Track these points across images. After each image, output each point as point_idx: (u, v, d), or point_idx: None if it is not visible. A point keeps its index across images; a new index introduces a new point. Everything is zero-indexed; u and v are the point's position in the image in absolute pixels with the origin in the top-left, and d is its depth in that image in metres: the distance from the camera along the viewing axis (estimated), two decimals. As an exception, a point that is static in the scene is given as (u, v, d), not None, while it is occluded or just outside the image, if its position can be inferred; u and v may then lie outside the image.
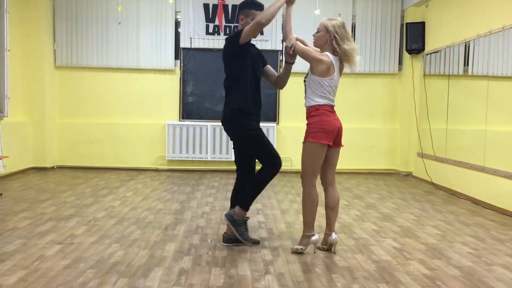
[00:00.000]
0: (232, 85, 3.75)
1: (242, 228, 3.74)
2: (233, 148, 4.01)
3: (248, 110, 3.71)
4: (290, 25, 3.69)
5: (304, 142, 3.57)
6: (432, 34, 7.37)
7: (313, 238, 3.57)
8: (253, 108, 3.76)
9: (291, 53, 3.65)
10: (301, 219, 4.66)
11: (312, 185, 3.55)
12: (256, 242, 3.80)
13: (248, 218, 3.79)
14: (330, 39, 3.51)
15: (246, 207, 3.72)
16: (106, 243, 3.78)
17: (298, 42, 3.59)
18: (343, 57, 3.54)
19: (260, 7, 3.76)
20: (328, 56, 3.51)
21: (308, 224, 3.57)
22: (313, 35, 3.65)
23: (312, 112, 3.53)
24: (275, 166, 3.66)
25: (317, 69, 3.50)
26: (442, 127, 6.79)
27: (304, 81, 3.67)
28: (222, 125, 3.83)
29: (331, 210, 3.66)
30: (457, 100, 6.47)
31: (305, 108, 3.65)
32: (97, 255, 3.46)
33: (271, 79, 4.05)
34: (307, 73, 3.64)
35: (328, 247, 3.68)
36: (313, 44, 3.66)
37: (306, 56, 3.55)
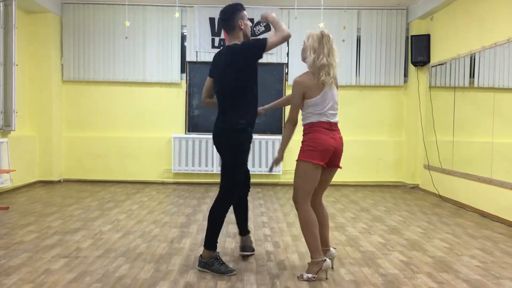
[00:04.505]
0: (240, 95, 3.51)
1: (216, 266, 3.44)
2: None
3: (251, 125, 3.54)
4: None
5: (296, 160, 3.38)
6: (437, 46, 7.39)
7: (325, 263, 3.29)
8: (253, 124, 3.59)
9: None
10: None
11: (307, 205, 3.32)
12: (232, 271, 3.44)
13: (218, 253, 3.52)
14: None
15: (210, 247, 3.50)
16: (112, 256, 3.77)
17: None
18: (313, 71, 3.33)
19: (243, 6, 3.66)
20: (301, 78, 3.33)
21: (315, 248, 3.29)
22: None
23: (307, 130, 3.37)
24: (231, 199, 3.52)
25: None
26: (449, 139, 6.77)
27: None
28: (219, 135, 3.55)
29: (325, 227, 3.52)
30: (463, 112, 6.45)
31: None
32: (103, 269, 3.45)
33: None
34: None
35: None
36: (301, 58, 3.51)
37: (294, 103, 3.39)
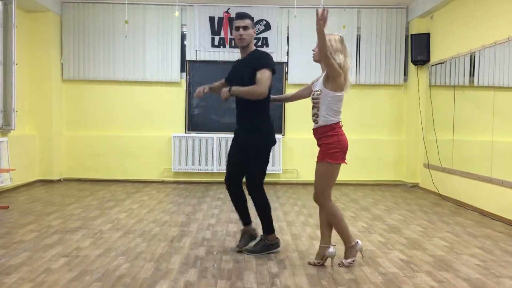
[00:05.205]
0: None
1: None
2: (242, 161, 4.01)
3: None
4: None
5: (320, 162, 3.52)
6: (437, 45, 7.38)
7: (359, 245, 3.59)
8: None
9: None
10: (308, 231, 4.71)
11: (331, 201, 3.56)
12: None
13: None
14: (330, 53, 3.40)
15: (273, 229, 3.98)
16: (112, 255, 3.78)
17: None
18: None
19: (237, 16, 3.90)
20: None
21: (347, 235, 3.57)
22: (312, 50, 3.63)
23: (329, 132, 3.48)
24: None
25: (337, 83, 3.43)
26: (449, 138, 6.76)
27: (316, 99, 3.54)
28: None
29: (328, 223, 3.64)
30: (463, 111, 6.45)
31: (313, 124, 3.60)
32: (103, 268, 3.45)
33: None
34: (318, 91, 3.53)
35: (324, 261, 3.60)
36: (313, 58, 3.62)
37: (336, 71, 3.39)
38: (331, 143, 3.47)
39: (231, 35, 7.99)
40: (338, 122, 3.52)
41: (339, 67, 3.41)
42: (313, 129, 3.62)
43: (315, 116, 3.57)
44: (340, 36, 3.52)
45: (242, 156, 3.91)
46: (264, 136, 3.87)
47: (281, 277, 3.34)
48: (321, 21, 3.23)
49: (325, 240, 3.62)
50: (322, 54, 3.34)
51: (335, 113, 3.50)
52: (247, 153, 3.87)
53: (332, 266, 3.56)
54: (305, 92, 3.88)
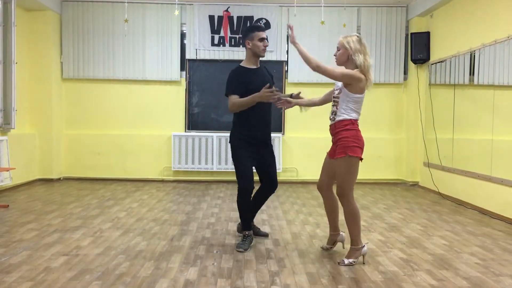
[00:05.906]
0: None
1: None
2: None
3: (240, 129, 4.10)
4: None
5: (340, 158, 3.52)
6: (437, 43, 7.38)
7: (364, 249, 3.60)
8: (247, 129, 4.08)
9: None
10: (308, 230, 4.70)
11: (353, 198, 3.59)
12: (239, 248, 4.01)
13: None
14: (350, 55, 3.54)
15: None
16: (112, 254, 3.78)
17: (337, 69, 3.54)
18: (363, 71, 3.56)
19: (260, 28, 4.07)
20: (359, 72, 3.53)
21: (357, 237, 3.59)
22: (334, 55, 3.68)
23: (348, 126, 3.53)
24: (239, 190, 4.00)
25: (358, 87, 3.52)
26: (449, 136, 6.77)
27: (336, 98, 3.64)
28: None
29: (337, 214, 3.85)
30: (463, 110, 6.45)
31: (330, 121, 3.67)
32: (103, 267, 3.45)
33: None
34: (338, 90, 3.62)
35: (334, 245, 3.93)
36: (335, 62, 3.67)
37: (350, 78, 3.51)
38: (349, 137, 3.51)
39: (231, 34, 7.99)
40: (357, 120, 3.58)
41: (360, 68, 3.50)
42: (330, 125, 3.67)
43: (333, 114, 3.63)
44: (358, 36, 3.59)
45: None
46: None
47: (281, 275, 3.35)
48: (290, 34, 3.59)
49: (334, 228, 3.85)
50: (312, 69, 3.51)
51: (355, 112, 3.57)
52: (270, 150, 4.21)
53: (344, 248, 3.85)
54: (331, 96, 3.91)
